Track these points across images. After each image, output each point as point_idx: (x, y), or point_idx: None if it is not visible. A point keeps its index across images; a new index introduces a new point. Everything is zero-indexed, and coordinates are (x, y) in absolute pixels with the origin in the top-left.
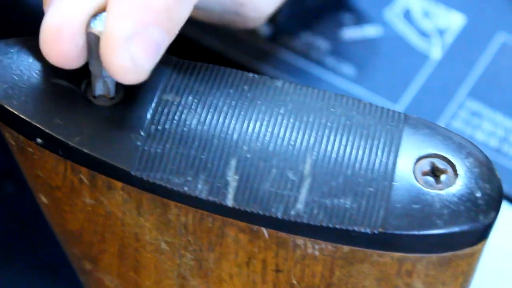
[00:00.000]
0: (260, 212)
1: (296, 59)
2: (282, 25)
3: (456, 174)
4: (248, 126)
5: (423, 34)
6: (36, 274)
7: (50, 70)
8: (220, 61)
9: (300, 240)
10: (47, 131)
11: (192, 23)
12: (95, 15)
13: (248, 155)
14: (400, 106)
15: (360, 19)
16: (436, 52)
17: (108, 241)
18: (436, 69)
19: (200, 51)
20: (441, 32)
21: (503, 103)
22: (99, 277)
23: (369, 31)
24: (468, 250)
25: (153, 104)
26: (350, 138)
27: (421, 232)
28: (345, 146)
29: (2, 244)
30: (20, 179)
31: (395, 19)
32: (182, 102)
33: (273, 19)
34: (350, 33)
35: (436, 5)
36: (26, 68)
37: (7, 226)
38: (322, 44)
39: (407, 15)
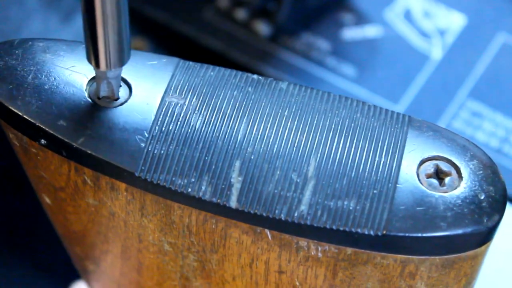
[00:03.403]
0: (264, 214)
1: (296, 59)
2: (283, 25)
3: (460, 177)
4: (252, 128)
5: (424, 34)
6: (36, 274)
7: (54, 71)
8: (220, 61)
9: (303, 242)
10: (51, 132)
11: (191, 22)
12: None
13: (252, 157)
14: (400, 106)
15: (361, 19)
16: (436, 52)
17: (111, 242)
18: (436, 69)
19: (200, 51)
20: (442, 32)
21: (504, 103)
22: (102, 277)
23: (370, 31)
24: (471, 253)
25: (158, 106)
26: (354, 140)
27: (425, 234)
28: (349, 148)
29: (2, 244)
30: (20, 179)
31: (396, 19)
32: (186, 103)
33: (273, 19)
34: (351, 33)
35: (436, 5)
36: (31, 69)
37: (7, 226)
38: (322, 44)
39: (408, 15)
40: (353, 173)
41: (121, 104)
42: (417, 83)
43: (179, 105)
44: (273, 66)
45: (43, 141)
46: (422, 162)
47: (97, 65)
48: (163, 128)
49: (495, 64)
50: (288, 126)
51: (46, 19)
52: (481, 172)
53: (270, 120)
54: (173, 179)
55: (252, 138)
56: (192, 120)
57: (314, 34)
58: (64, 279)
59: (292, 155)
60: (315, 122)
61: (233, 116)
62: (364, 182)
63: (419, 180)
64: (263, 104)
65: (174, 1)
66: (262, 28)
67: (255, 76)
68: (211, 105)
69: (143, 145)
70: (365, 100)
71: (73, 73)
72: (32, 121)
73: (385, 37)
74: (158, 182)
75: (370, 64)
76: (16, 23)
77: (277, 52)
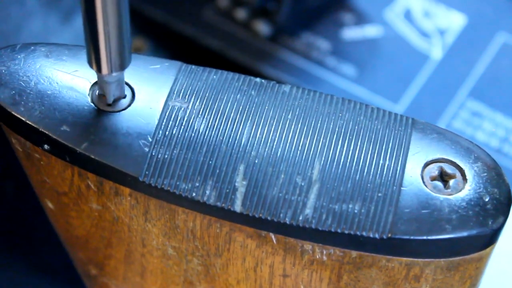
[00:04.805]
0: (269, 218)
1: (296, 59)
2: (283, 25)
3: (464, 179)
4: (256, 131)
5: (424, 34)
6: (36, 275)
7: (57, 76)
8: (220, 61)
9: (308, 245)
10: (54, 137)
11: (191, 22)
12: None
13: (256, 161)
14: (400, 106)
15: (361, 19)
16: (436, 52)
17: (115, 246)
18: (436, 69)
19: (200, 51)
20: (442, 32)
21: (504, 103)
22: (105, 282)
23: (370, 31)
24: (476, 255)
25: (161, 110)
26: (358, 143)
27: (430, 237)
28: (353, 151)
29: (2, 244)
30: (20, 179)
31: (396, 19)
32: (190, 107)
33: (273, 19)
34: (351, 33)
35: (436, 5)
36: (33, 74)
37: (7, 226)
38: (322, 44)
39: (408, 15)
40: (358, 176)
41: (124, 108)
42: (417, 83)
43: (183, 109)
44: (273, 66)
45: (46, 146)
46: (427, 164)
47: (98, 70)
48: (167, 133)
49: (495, 64)
50: (292, 129)
51: (46, 19)
52: (485, 174)
53: (274, 124)
54: (177, 183)
55: (256, 142)
56: (196, 124)
57: (314, 34)
58: (64, 279)
59: (296, 158)
60: (318, 125)
61: (237, 119)
62: (368, 185)
63: (423, 182)
64: (266, 107)
65: (174, 1)
66: (262, 28)
67: (257, 80)
68: (215, 109)
69: (146, 149)
70: (365, 100)
71: (75, 78)
72: (35, 126)
73: (385, 37)
74: (162, 186)
75: (370, 64)
76: (16, 23)
77: (277, 52)
